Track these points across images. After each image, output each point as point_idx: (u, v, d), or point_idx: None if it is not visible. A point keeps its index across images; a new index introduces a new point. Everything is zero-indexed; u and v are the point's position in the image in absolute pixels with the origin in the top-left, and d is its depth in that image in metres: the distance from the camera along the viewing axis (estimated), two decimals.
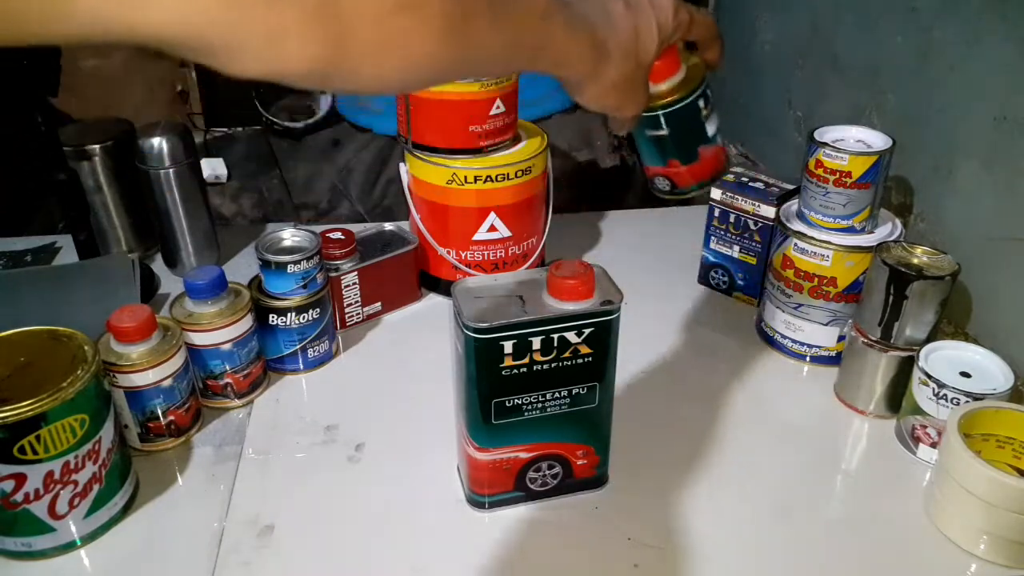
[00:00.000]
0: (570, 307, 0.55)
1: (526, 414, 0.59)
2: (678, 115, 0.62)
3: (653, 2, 0.50)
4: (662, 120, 0.62)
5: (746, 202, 0.84)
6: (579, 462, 0.63)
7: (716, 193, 0.86)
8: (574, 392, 0.59)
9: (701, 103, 0.63)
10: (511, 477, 0.62)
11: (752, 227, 0.85)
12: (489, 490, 0.62)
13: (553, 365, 0.57)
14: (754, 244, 0.86)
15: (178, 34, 0.29)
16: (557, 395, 0.59)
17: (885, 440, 0.70)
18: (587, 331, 0.56)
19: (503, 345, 0.55)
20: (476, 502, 0.63)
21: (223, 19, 0.29)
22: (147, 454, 0.67)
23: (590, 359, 0.58)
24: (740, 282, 0.89)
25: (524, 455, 0.61)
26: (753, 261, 0.87)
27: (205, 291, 0.69)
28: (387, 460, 0.68)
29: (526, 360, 0.56)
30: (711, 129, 0.65)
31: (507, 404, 0.58)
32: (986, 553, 0.58)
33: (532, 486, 0.63)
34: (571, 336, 0.56)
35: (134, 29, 0.29)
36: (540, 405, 0.59)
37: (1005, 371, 0.65)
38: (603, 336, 0.57)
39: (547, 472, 0.63)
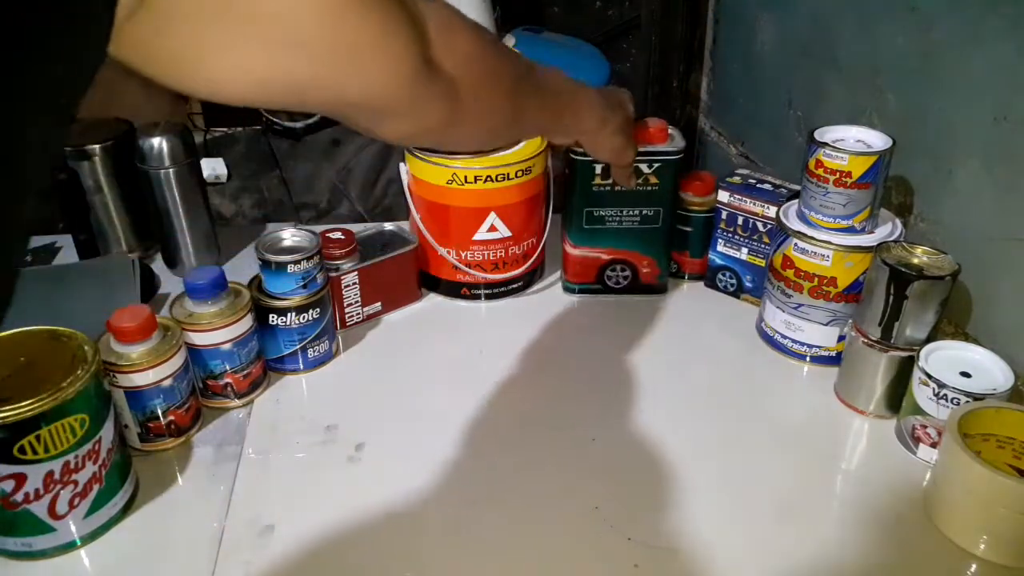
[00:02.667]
0: (645, 148, 0.80)
1: (608, 224, 0.85)
2: (701, 221, 0.90)
3: (618, 90, 0.75)
4: (692, 220, 0.90)
5: (755, 204, 0.84)
6: (644, 270, 0.89)
7: (723, 196, 0.86)
8: (643, 212, 0.85)
9: (715, 221, 0.90)
10: (593, 271, 0.89)
11: (761, 229, 0.85)
12: (579, 279, 0.89)
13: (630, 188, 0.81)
14: (763, 246, 0.85)
15: (370, 101, 0.42)
16: (631, 213, 0.85)
17: (885, 440, 0.70)
18: (656, 165, 0.81)
19: (594, 167, 0.82)
20: (569, 289, 0.90)
21: (408, 95, 0.43)
22: (147, 454, 0.67)
23: (656, 188, 0.83)
24: (748, 284, 0.89)
25: (604, 256, 0.88)
26: (762, 263, 0.86)
27: (205, 291, 0.69)
28: (387, 460, 0.68)
29: (610, 180, 0.82)
30: (712, 243, 0.92)
31: (594, 214, 0.85)
32: (986, 553, 0.58)
33: (609, 282, 0.89)
34: (644, 167, 0.81)
35: (342, 97, 0.41)
36: (618, 219, 0.85)
37: (1005, 371, 0.65)
38: (666, 171, 0.82)
39: (620, 273, 0.88)
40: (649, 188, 0.83)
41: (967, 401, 0.63)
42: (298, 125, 1.45)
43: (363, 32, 0.38)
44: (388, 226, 0.90)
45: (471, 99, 0.47)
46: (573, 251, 0.87)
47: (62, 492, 0.56)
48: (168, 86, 0.36)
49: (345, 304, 0.83)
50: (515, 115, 0.55)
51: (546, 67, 0.59)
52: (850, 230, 0.74)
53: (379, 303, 0.86)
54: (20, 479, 0.54)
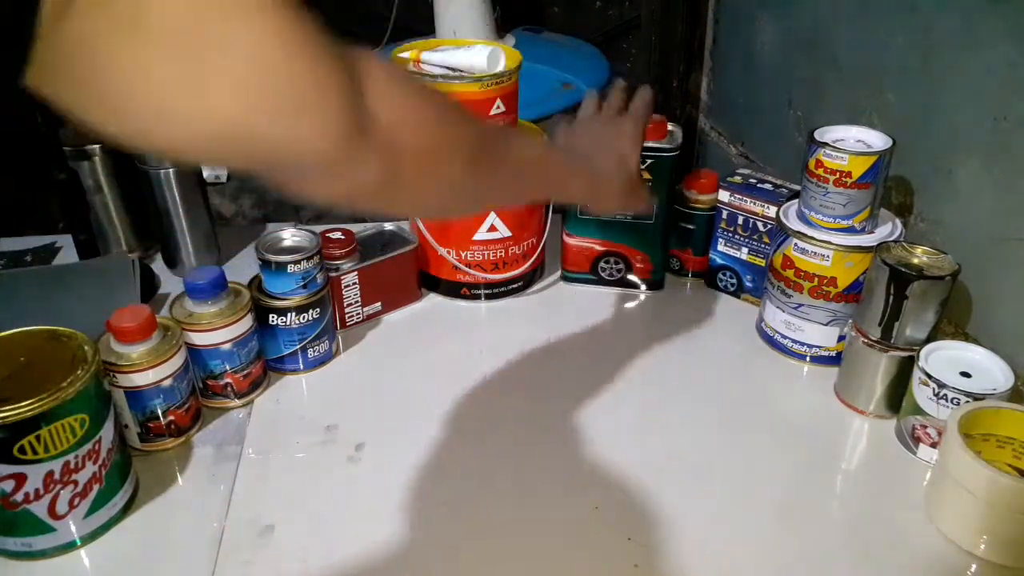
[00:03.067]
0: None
1: (601, 215, 0.86)
2: (704, 219, 0.89)
3: (622, 129, 0.65)
4: (695, 218, 0.89)
5: (755, 204, 0.84)
6: (637, 264, 0.90)
7: (724, 196, 0.86)
8: None
9: (716, 221, 0.89)
10: (588, 261, 0.90)
11: (761, 229, 0.85)
12: (575, 268, 0.91)
13: None
14: (763, 246, 0.85)
15: (297, 153, 0.37)
16: None
17: (885, 440, 0.70)
18: (649, 161, 0.81)
19: None
20: (568, 278, 0.92)
21: (340, 151, 0.38)
22: (147, 454, 0.67)
23: (651, 184, 0.82)
24: (748, 284, 0.89)
25: (597, 248, 0.89)
26: (762, 263, 0.86)
27: (205, 291, 0.69)
28: (387, 460, 0.68)
29: None
30: (713, 243, 0.91)
31: None
32: (986, 553, 0.58)
33: (603, 274, 0.91)
34: None
35: (265, 147, 0.36)
36: None
37: (1005, 371, 0.65)
38: (660, 168, 0.83)
39: (613, 266, 0.90)
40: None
41: (967, 401, 0.63)
42: None
43: (297, 79, 0.36)
44: (388, 226, 0.90)
45: (414, 164, 0.44)
46: (569, 240, 0.90)
47: (62, 492, 0.56)
48: (85, 123, 0.32)
49: (345, 304, 0.83)
50: (474, 185, 0.50)
51: (527, 137, 0.55)
52: (850, 230, 0.74)
53: (379, 303, 0.86)
54: (20, 479, 0.54)
